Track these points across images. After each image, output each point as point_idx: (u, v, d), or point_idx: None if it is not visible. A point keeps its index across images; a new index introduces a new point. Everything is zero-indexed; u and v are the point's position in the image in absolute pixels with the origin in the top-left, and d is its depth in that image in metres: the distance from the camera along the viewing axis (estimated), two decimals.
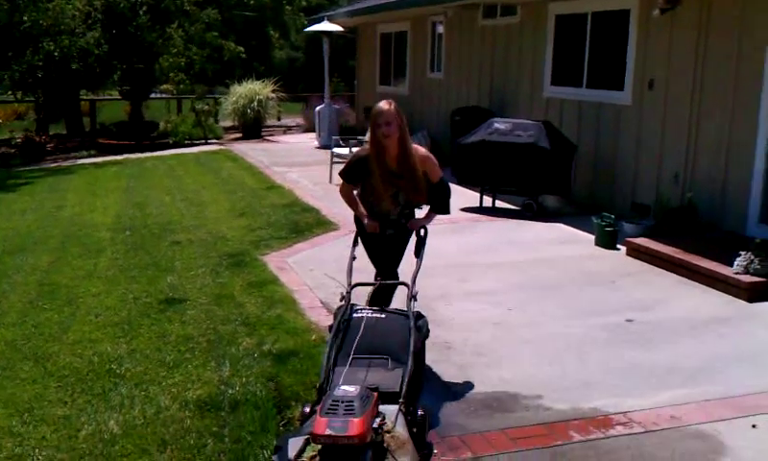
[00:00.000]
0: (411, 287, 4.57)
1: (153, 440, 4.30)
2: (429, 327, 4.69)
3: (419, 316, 4.55)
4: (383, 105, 4.97)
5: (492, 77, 13.88)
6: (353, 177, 5.18)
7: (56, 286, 7.31)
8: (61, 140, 20.52)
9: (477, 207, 10.79)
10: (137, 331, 6.01)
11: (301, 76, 35.84)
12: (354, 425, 3.42)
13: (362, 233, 5.24)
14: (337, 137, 13.82)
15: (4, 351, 5.69)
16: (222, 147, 19.14)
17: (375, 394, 3.71)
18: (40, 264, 8.18)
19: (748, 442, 4.37)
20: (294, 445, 3.53)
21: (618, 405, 4.79)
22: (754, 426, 4.56)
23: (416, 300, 4.50)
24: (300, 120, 24.40)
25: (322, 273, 7.50)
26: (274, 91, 21.98)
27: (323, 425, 3.43)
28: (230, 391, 4.87)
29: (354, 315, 4.44)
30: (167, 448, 4.20)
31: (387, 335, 4.27)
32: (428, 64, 16.74)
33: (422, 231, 5.20)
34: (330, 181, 12.68)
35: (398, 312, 4.50)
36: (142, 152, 18.66)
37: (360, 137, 13.36)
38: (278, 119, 24.17)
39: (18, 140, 19.09)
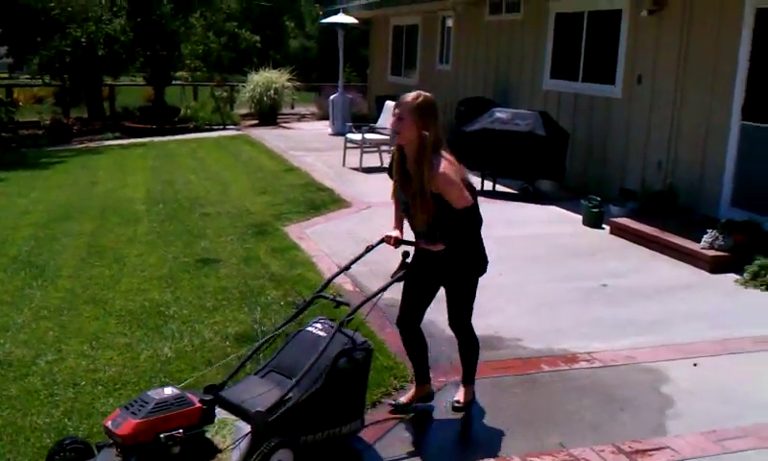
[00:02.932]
0: (349, 312, 4.25)
1: (201, 361, 5.28)
2: (369, 359, 4.30)
3: (362, 346, 4.22)
4: (406, 95, 4.31)
5: (497, 69, 14.81)
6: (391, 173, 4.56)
7: (102, 248, 8.31)
8: (84, 123, 21.52)
9: (478, 191, 11.68)
10: (179, 284, 7.01)
11: (315, 65, 36.79)
12: (125, 426, 3.50)
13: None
14: (350, 124, 14.75)
15: (66, 297, 6.69)
16: (240, 132, 20.14)
17: (197, 406, 3.70)
18: (85, 230, 9.19)
19: (688, 375, 5.33)
20: None
21: (584, 347, 5.75)
22: (695, 365, 5.50)
23: (343, 325, 4.16)
24: (313, 108, 25.35)
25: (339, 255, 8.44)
26: (289, 80, 22.89)
27: (110, 418, 3.61)
28: (263, 328, 5.85)
29: (305, 328, 4.34)
30: (213, 366, 5.18)
31: (308, 356, 4.01)
32: (437, 56, 17.68)
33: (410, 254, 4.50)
34: (344, 165, 13.66)
35: (345, 335, 4.19)
36: (164, 135, 19.71)
37: (372, 124, 14.29)
38: (292, 107, 25.09)
39: (47, 122, 20.12)
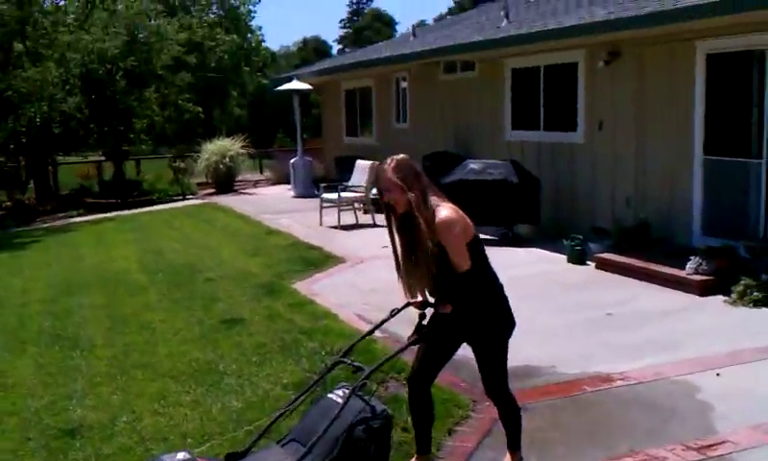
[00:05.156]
0: (362, 378, 4.12)
1: (270, 408, 5.62)
2: (389, 428, 4.22)
3: (380, 414, 4.08)
4: (380, 167, 4.29)
5: (456, 124, 15.53)
6: None
7: (124, 317, 8.58)
8: (40, 202, 21.51)
9: None
10: (216, 343, 7.34)
11: (248, 132, 37.37)
12: None
13: None
14: (324, 185, 15.13)
15: (112, 364, 6.97)
16: (203, 201, 20.43)
17: None
18: (96, 302, 9.42)
19: (715, 383, 5.94)
20: None
21: (614, 368, 6.29)
22: (718, 375, 6.11)
23: (357, 391, 4.04)
24: (266, 174, 25.79)
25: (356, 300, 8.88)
26: (243, 147, 23.27)
27: None
28: (315, 375, 6.22)
29: (327, 394, 4.25)
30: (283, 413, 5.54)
31: (324, 424, 3.92)
32: (394, 116, 18.38)
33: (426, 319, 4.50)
34: (321, 225, 14.11)
35: (362, 401, 4.09)
36: (129, 209, 19.87)
37: (345, 183, 14.77)
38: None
39: (8, 204, 20.09)
